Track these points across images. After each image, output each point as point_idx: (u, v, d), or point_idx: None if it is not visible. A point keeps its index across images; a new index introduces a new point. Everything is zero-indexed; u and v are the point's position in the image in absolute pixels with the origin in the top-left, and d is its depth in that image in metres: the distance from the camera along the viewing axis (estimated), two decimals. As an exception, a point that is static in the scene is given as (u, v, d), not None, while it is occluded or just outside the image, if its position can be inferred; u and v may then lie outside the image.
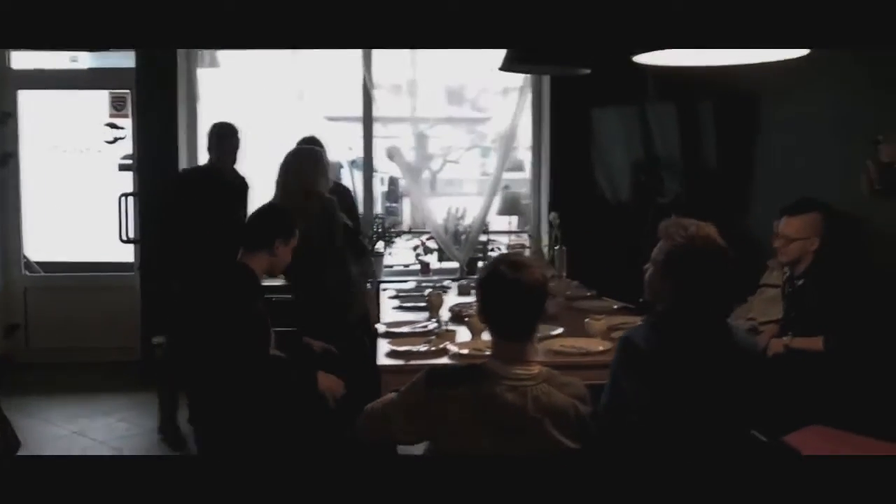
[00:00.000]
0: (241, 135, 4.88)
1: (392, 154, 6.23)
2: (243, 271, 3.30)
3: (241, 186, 4.95)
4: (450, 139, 7.51)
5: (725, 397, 2.44)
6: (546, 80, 6.06)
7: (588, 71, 4.32)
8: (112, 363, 6.09)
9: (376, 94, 6.19)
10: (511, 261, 2.38)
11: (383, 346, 3.43)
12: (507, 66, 4.26)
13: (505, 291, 2.30)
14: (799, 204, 3.70)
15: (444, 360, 3.25)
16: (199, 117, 6.18)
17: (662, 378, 2.36)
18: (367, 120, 6.30)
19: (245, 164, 5.04)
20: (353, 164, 7.13)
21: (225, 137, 4.83)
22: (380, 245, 6.11)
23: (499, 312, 2.35)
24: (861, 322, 3.43)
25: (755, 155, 4.88)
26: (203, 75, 6.28)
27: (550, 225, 5.47)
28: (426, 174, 6.93)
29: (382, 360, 3.26)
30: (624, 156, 5.84)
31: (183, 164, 6.01)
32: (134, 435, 4.92)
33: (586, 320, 3.66)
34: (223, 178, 4.81)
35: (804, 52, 2.41)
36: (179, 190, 4.92)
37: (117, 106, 6.39)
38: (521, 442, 2.25)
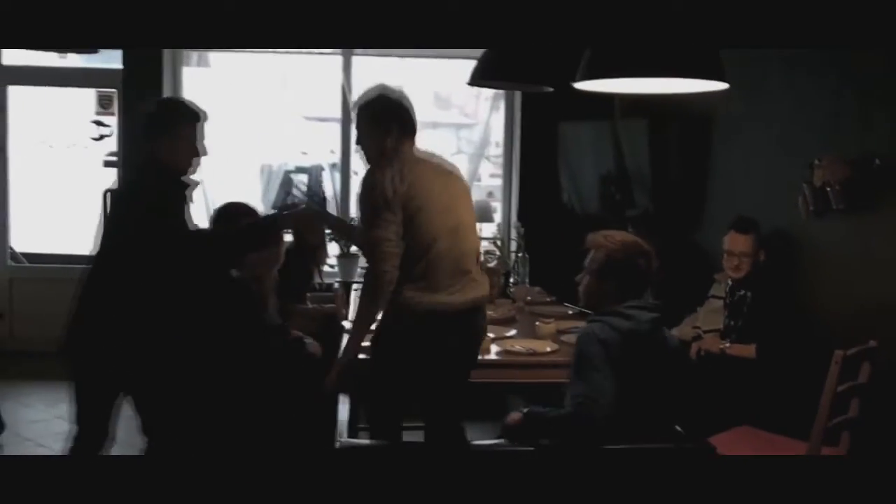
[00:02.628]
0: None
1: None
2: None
3: None
4: (435, 144, 7.71)
5: (662, 391, 2.72)
6: (518, 92, 6.32)
7: (552, 89, 4.57)
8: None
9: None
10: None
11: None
12: (474, 80, 4.50)
13: None
14: (742, 222, 4.01)
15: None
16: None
17: (626, 370, 2.62)
18: (346, 123, 6.52)
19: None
20: (333, 167, 7.34)
21: None
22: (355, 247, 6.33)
23: None
24: (791, 332, 3.71)
25: (709, 174, 5.15)
26: (190, 74, 6.49)
27: (517, 234, 5.71)
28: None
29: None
30: (592, 169, 6.07)
31: (166, 162, 6.23)
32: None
33: (536, 323, 3.93)
34: None
35: (724, 85, 2.66)
36: None
37: (104, 104, 6.61)
38: None
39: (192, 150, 3.27)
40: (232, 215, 4.98)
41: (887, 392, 3.29)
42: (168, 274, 3.17)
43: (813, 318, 3.84)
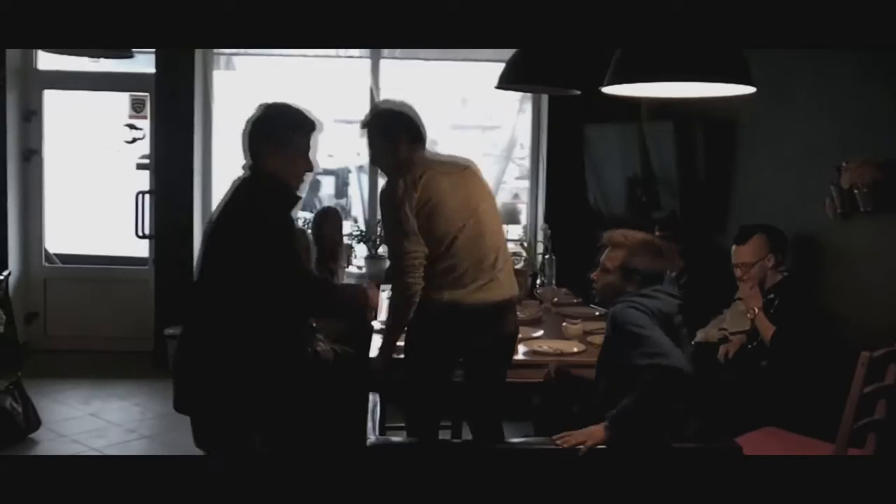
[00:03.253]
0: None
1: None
2: None
3: None
4: (461, 146, 7.77)
5: None
6: (545, 95, 6.35)
7: (578, 92, 4.61)
8: (126, 352, 6.43)
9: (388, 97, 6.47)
10: None
11: (377, 340, 3.72)
12: (502, 84, 4.55)
13: None
14: (741, 232, 4.06)
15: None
16: (213, 119, 6.51)
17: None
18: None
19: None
20: (360, 169, 7.41)
21: None
22: (382, 249, 6.41)
23: None
24: (811, 333, 3.71)
25: (735, 177, 5.16)
26: (219, 78, 6.61)
27: (543, 236, 5.75)
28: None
29: (374, 353, 3.55)
30: (619, 171, 6.09)
31: (197, 164, 6.33)
32: (148, 419, 5.23)
33: (563, 324, 3.97)
34: None
35: (751, 89, 2.68)
36: None
37: (137, 107, 6.71)
38: None
39: (306, 164, 2.90)
40: (334, 219, 5.14)
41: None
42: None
43: (839, 320, 3.85)
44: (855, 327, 3.79)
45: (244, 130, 2.92)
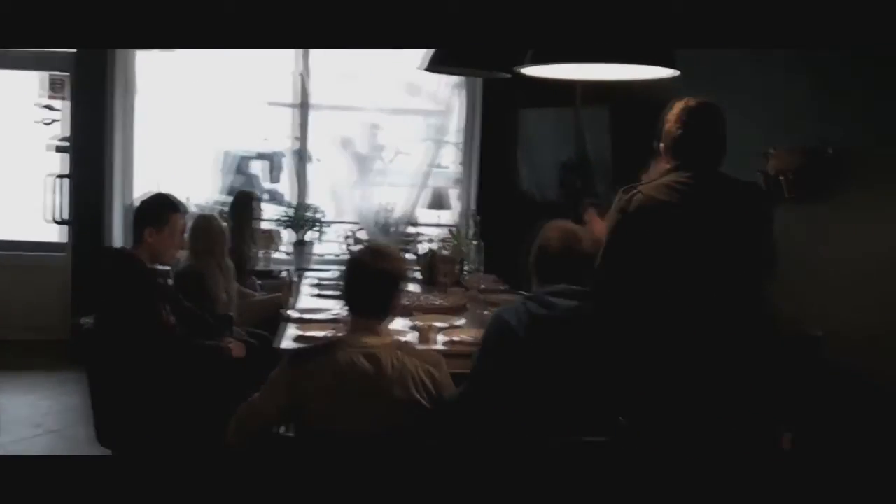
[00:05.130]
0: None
1: (344, 144, 6.35)
2: (127, 259, 3.51)
3: None
4: (405, 131, 7.62)
5: (590, 380, 2.62)
6: (479, 79, 6.23)
7: (508, 75, 4.49)
8: (38, 342, 6.15)
9: (322, 82, 6.31)
10: (371, 248, 2.86)
11: (289, 331, 3.57)
12: (431, 66, 4.41)
13: (357, 273, 2.67)
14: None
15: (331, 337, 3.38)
16: (136, 102, 6.26)
17: (537, 356, 2.59)
18: (304, 108, 6.42)
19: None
20: (294, 153, 7.22)
21: None
22: (310, 234, 6.26)
23: (351, 290, 2.68)
24: None
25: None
26: (146, 58, 6.32)
27: (473, 223, 5.65)
28: (377, 164, 7.05)
29: (285, 343, 3.40)
30: (553, 156, 6.02)
31: (117, 148, 6.07)
32: (56, 412, 5.02)
33: (485, 311, 3.85)
34: None
35: (674, 72, 2.60)
36: None
37: (55, 88, 6.43)
38: (378, 404, 2.50)
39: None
40: (246, 203, 5.00)
41: (832, 381, 3.26)
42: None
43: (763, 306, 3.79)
44: (776, 314, 3.73)
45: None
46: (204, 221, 4.53)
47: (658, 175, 2.77)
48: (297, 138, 6.84)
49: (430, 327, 3.50)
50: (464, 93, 6.40)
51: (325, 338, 3.42)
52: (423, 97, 7.67)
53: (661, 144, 2.83)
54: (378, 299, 2.64)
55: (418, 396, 2.53)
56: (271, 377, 2.58)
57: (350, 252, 6.16)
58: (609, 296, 2.66)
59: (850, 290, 3.47)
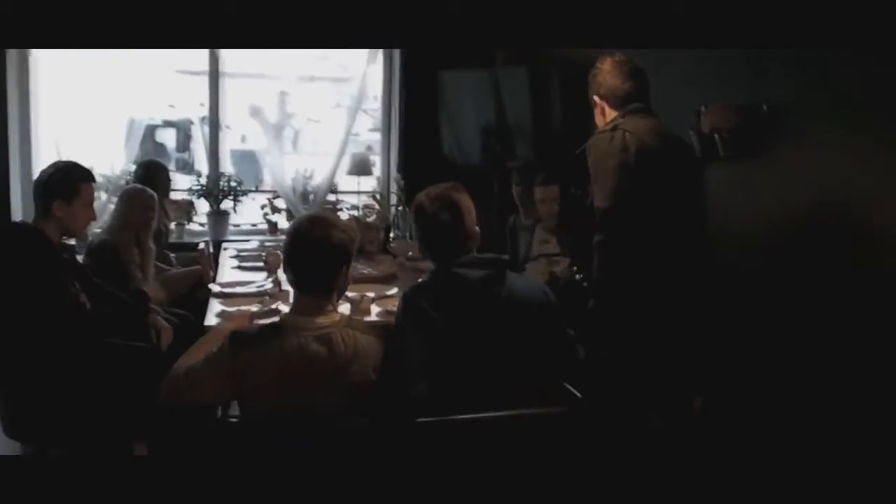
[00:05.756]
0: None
1: (254, 112, 6.10)
2: (32, 235, 3.20)
3: None
4: (314, 98, 7.41)
5: (519, 350, 2.46)
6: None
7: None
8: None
9: (232, 50, 6.04)
10: (316, 218, 2.45)
11: (214, 306, 3.38)
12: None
13: (304, 246, 2.37)
14: (547, 177, 4.54)
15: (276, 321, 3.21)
16: (31, 67, 5.83)
17: (457, 334, 2.40)
18: (214, 76, 6.14)
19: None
20: (203, 120, 6.94)
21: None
22: (227, 204, 6.00)
23: (298, 266, 2.40)
24: None
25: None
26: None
27: (397, 187, 5.49)
28: (288, 132, 6.83)
29: (211, 320, 3.21)
30: (474, 120, 5.89)
31: (12, 116, 5.64)
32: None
33: (418, 280, 3.70)
34: None
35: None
36: None
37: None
38: (333, 387, 2.29)
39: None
40: (151, 171, 4.71)
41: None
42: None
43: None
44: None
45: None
46: (130, 194, 4.27)
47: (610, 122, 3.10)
48: (201, 104, 6.57)
49: (364, 297, 3.36)
50: (379, 56, 6.19)
51: (260, 311, 3.23)
52: (332, 64, 7.47)
53: (600, 98, 3.17)
54: (326, 275, 2.38)
55: (373, 375, 2.35)
56: (210, 357, 2.33)
57: (268, 222, 5.95)
58: (621, 238, 2.85)
59: (783, 246, 3.44)
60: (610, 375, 2.92)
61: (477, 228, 2.58)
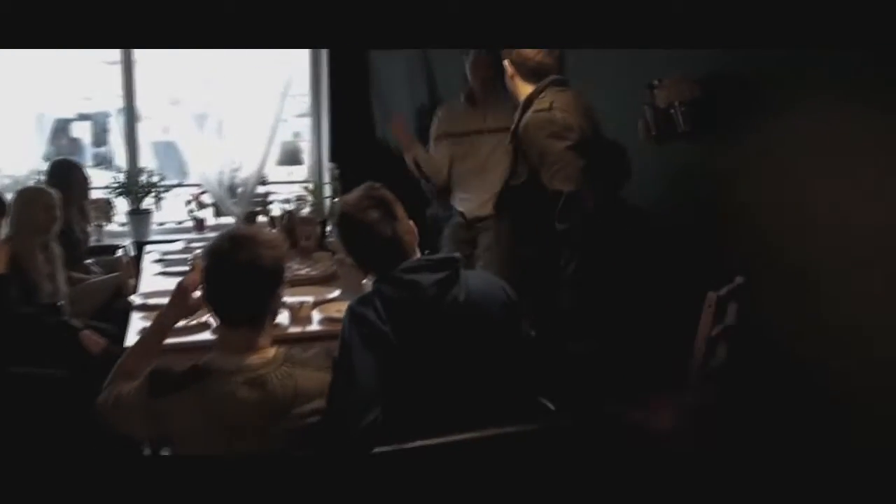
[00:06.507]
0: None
1: (174, 100, 5.73)
2: None
3: None
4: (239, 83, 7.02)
5: (483, 361, 2.20)
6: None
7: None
8: None
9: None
10: (238, 236, 2.06)
11: (136, 322, 3.03)
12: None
13: (229, 274, 2.01)
14: None
15: (206, 336, 2.88)
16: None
17: (411, 346, 2.12)
18: (127, 63, 5.74)
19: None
20: (121, 112, 6.52)
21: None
22: (148, 201, 5.61)
23: (223, 298, 2.04)
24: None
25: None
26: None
27: (331, 176, 5.18)
28: (211, 121, 6.45)
29: (133, 338, 2.85)
30: (409, 101, 5.61)
31: None
32: None
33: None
34: None
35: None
36: None
37: None
38: (272, 435, 1.98)
39: None
40: (65, 171, 4.34)
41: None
42: None
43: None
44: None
45: None
46: (29, 195, 3.89)
47: (526, 94, 3.27)
48: (119, 95, 6.15)
49: (303, 305, 3.04)
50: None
51: (187, 326, 2.85)
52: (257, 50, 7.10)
53: (515, 71, 3.31)
54: (257, 304, 2.03)
55: (316, 406, 2.03)
56: (132, 393, 2.00)
57: (195, 219, 5.58)
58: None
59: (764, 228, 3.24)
60: (584, 371, 2.72)
61: (411, 222, 2.31)
